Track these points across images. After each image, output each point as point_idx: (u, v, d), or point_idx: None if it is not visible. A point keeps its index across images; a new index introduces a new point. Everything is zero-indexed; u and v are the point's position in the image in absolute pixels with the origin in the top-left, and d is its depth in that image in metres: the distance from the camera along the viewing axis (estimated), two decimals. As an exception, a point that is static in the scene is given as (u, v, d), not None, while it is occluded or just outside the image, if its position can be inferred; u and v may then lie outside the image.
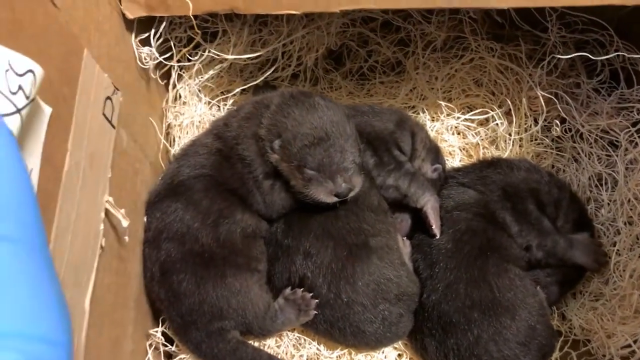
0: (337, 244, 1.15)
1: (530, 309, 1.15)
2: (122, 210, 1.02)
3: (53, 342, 0.54)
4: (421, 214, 1.22)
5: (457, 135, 1.44)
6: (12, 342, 0.49)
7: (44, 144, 0.79)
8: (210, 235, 1.13)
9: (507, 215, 1.22)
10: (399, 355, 1.26)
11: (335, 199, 1.11)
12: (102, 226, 0.98)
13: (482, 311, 1.13)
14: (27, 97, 0.69)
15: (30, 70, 0.69)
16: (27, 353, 0.50)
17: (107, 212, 1.01)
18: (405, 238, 1.26)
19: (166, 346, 1.21)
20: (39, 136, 0.78)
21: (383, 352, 1.24)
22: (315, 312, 1.14)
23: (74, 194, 0.89)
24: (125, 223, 1.02)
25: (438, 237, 1.20)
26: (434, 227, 1.19)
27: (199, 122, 1.35)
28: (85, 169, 0.92)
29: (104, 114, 1.01)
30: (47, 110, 0.80)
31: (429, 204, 1.21)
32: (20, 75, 0.68)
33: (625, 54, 1.32)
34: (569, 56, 1.23)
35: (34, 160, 0.77)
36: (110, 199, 1.01)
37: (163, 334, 1.20)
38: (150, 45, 1.19)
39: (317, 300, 1.14)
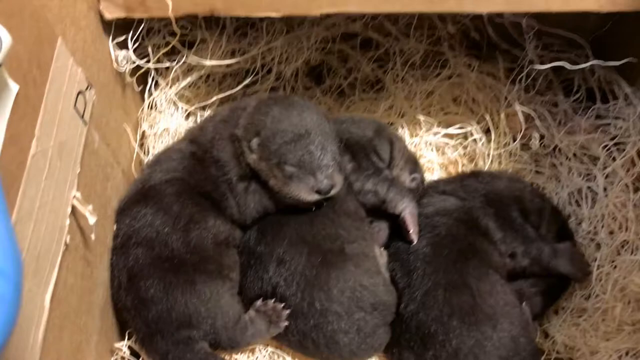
0: (312, 250, 1.13)
1: (512, 319, 1.12)
2: (90, 207, 1.00)
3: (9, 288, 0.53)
4: (399, 220, 1.21)
5: (436, 152, 1.45)
6: None
7: (9, 122, 0.77)
8: (180, 240, 1.11)
9: (491, 221, 1.22)
10: None
11: (316, 196, 1.10)
12: (68, 221, 0.96)
13: (461, 319, 1.10)
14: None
15: None
16: None
17: (74, 210, 0.99)
18: (382, 248, 1.25)
19: None
20: (3, 109, 0.76)
21: None
22: (287, 323, 1.12)
23: (39, 180, 0.87)
24: (92, 220, 1.01)
25: (415, 242, 1.18)
26: (411, 231, 1.18)
27: (175, 131, 1.35)
28: (52, 157, 0.91)
29: (75, 108, 1.00)
30: (13, 86, 0.79)
31: (408, 210, 1.20)
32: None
33: (600, 73, 1.36)
34: (546, 66, 1.25)
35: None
36: (79, 194, 0.99)
37: (129, 348, 1.16)
38: (127, 48, 1.20)
39: (288, 311, 1.12)
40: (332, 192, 1.11)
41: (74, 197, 0.98)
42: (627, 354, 1.18)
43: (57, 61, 0.93)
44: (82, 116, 1.03)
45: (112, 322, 1.17)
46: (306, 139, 1.09)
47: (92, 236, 1.03)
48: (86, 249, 1.04)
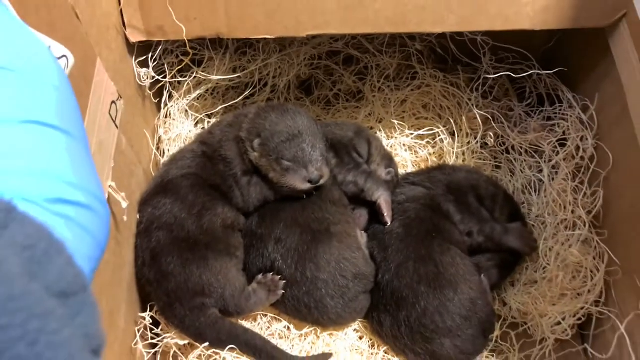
0: (304, 231, 1.31)
1: (471, 284, 1.29)
2: (123, 194, 1.20)
3: (105, 211, 0.67)
4: (375, 207, 1.39)
5: (409, 151, 1.62)
6: (81, 192, 0.62)
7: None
8: (195, 224, 1.27)
9: (451, 206, 1.39)
10: (360, 337, 1.39)
11: (308, 185, 1.28)
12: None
13: (428, 285, 1.27)
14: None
15: (65, 56, 0.90)
16: (90, 203, 0.62)
17: (109, 197, 1.16)
18: (362, 231, 1.43)
19: (152, 330, 1.33)
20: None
21: (345, 333, 1.38)
22: (283, 291, 1.29)
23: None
24: (124, 204, 1.19)
25: (389, 224, 1.36)
26: (386, 215, 1.36)
27: (186, 137, 1.53)
28: (94, 153, 1.11)
29: (110, 114, 1.21)
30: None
31: (382, 197, 1.38)
32: (57, 58, 0.88)
33: (547, 79, 1.58)
34: (495, 75, 1.47)
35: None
36: (113, 184, 1.17)
37: (151, 318, 1.32)
38: (147, 67, 1.40)
39: (284, 282, 1.29)
40: (321, 182, 1.30)
41: (110, 186, 1.17)
42: (569, 316, 1.37)
43: (97, 76, 1.14)
44: (115, 121, 1.23)
45: (137, 296, 1.32)
46: (299, 139, 1.27)
47: (125, 218, 1.22)
48: (117, 231, 1.21)
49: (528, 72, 1.52)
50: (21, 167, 0.57)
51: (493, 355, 1.38)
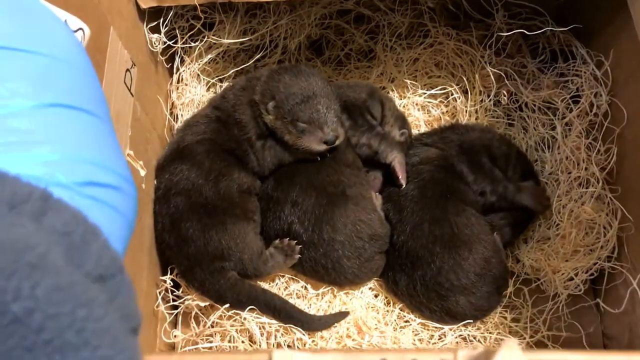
0: (319, 194, 1.32)
1: (485, 244, 1.31)
2: (141, 162, 1.22)
3: (132, 190, 0.67)
4: (390, 169, 1.40)
5: (422, 111, 1.62)
6: (110, 173, 0.62)
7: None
8: (212, 189, 1.28)
9: (464, 166, 1.39)
10: (375, 295, 1.42)
11: (324, 146, 1.29)
12: None
13: (443, 245, 1.29)
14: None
15: (81, 29, 0.90)
16: (119, 184, 0.63)
17: (128, 163, 1.19)
18: (377, 193, 1.44)
19: (173, 292, 1.36)
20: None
21: (361, 292, 1.40)
22: (299, 256, 1.30)
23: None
24: (143, 172, 1.22)
25: (404, 186, 1.37)
26: (400, 177, 1.37)
27: (199, 101, 1.53)
28: (113, 122, 1.12)
29: (125, 83, 1.21)
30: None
31: (397, 159, 1.39)
32: (74, 31, 0.88)
33: (561, 35, 1.56)
34: (509, 33, 1.45)
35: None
36: (131, 152, 1.19)
37: (171, 281, 1.35)
38: (159, 32, 1.40)
39: (300, 246, 1.30)
40: (337, 142, 1.29)
41: (128, 154, 1.19)
42: (582, 271, 1.39)
43: (111, 45, 1.14)
44: (130, 89, 1.24)
45: (157, 260, 1.35)
46: (314, 100, 1.26)
47: (143, 186, 1.25)
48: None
49: (542, 29, 1.50)
50: (51, 152, 0.57)
51: (507, 311, 1.40)
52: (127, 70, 1.23)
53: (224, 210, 1.29)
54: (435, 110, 1.61)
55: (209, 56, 1.51)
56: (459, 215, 1.33)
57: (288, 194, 1.34)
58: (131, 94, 1.24)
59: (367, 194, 1.39)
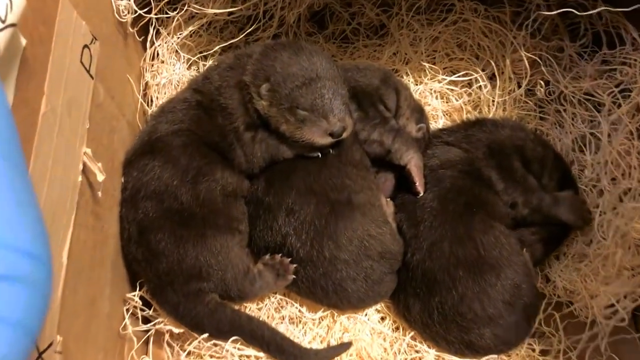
0: (320, 201, 1.15)
1: (515, 267, 1.16)
2: (99, 164, 1.01)
3: (36, 257, 0.55)
4: (405, 172, 1.22)
5: (441, 99, 1.45)
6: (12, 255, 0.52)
7: (19, 83, 0.77)
8: (189, 193, 1.12)
9: (493, 172, 1.23)
10: (382, 318, 1.26)
11: (329, 139, 1.12)
12: (80, 178, 0.96)
13: (467, 269, 1.14)
14: (2, 21, 0.66)
15: None
16: (8, 262, 0.51)
17: (84, 166, 0.98)
18: (388, 199, 1.26)
19: (144, 311, 1.19)
20: (13, 66, 0.76)
21: (366, 315, 1.24)
22: (294, 276, 1.14)
23: (50, 139, 0.87)
24: (100, 177, 1.02)
25: (422, 194, 1.20)
26: (417, 184, 1.19)
27: (178, 81, 1.35)
28: (62, 115, 0.90)
29: (81, 62, 0.99)
30: (23, 42, 0.78)
31: (413, 161, 1.21)
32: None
33: (608, 17, 1.33)
34: (553, 13, 1.23)
35: (7, 90, 0.74)
36: (89, 150, 0.99)
37: (141, 298, 1.18)
38: (128, -2, 1.18)
39: (295, 265, 1.14)
40: (345, 135, 1.12)
41: (85, 153, 0.98)
42: (625, 297, 1.20)
43: (61, 15, 0.91)
44: (89, 70, 1.02)
45: (124, 273, 1.19)
46: (317, 83, 1.09)
47: (99, 194, 1.04)
48: (95, 203, 1.05)
49: (588, 9, 1.26)
50: None
51: (535, 341, 1.23)
52: (85, 46, 1.00)
53: (203, 219, 1.13)
54: (457, 100, 1.43)
55: (190, 28, 1.31)
56: (487, 234, 1.16)
57: (282, 199, 1.16)
58: (90, 75, 1.02)
59: (376, 201, 1.20)
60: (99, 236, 1.07)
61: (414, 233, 1.19)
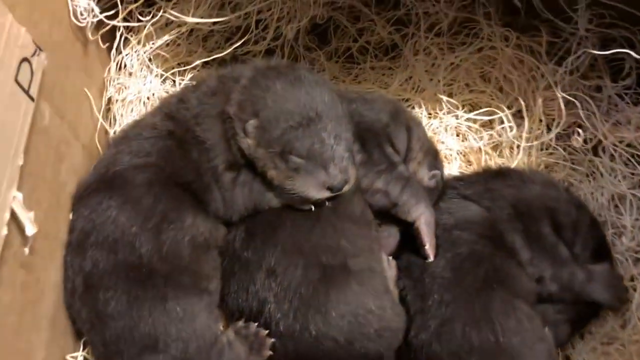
0: (309, 263, 1.01)
1: (538, 354, 1.01)
2: (31, 214, 0.85)
3: None
4: (413, 229, 1.07)
5: (457, 137, 1.33)
6: None
7: None
8: (150, 243, 0.98)
9: (518, 238, 1.10)
10: None
11: (327, 194, 0.99)
12: (5, 231, 0.79)
13: (481, 357, 1.00)
14: None
15: None
16: None
17: (12, 213, 0.82)
18: (391, 257, 1.11)
19: None
20: None
21: None
22: (270, 353, 0.99)
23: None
24: (31, 230, 0.85)
25: (432, 259, 1.05)
26: (427, 246, 1.06)
27: (148, 98, 1.25)
28: None
29: (16, 81, 0.82)
30: None
31: (423, 218, 1.07)
32: None
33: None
34: (605, 53, 1.05)
35: None
36: (19, 195, 0.83)
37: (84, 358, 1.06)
38: (88, -2, 1.02)
39: (272, 340, 0.98)
40: (346, 189, 1.00)
41: (14, 197, 0.81)
42: None
43: None
44: (28, 90, 0.85)
45: (65, 329, 1.04)
46: (317, 124, 0.96)
47: (26, 250, 0.87)
48: (29, 254, 0.88)
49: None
50: None
51: None
52: (24, 59, 0.83)
53: (165, 277, 0.98)
54: (476, 141, 1.28)
55: (166, 37, 1.17)
56: (508, 316, 1.01)
57: (263, 256, 1.02)
58: (29, 97, 0.84)
59: (377, 266, 1.05)
60: (31, 294, 0.91)
61: (420, 307, 1.04)
